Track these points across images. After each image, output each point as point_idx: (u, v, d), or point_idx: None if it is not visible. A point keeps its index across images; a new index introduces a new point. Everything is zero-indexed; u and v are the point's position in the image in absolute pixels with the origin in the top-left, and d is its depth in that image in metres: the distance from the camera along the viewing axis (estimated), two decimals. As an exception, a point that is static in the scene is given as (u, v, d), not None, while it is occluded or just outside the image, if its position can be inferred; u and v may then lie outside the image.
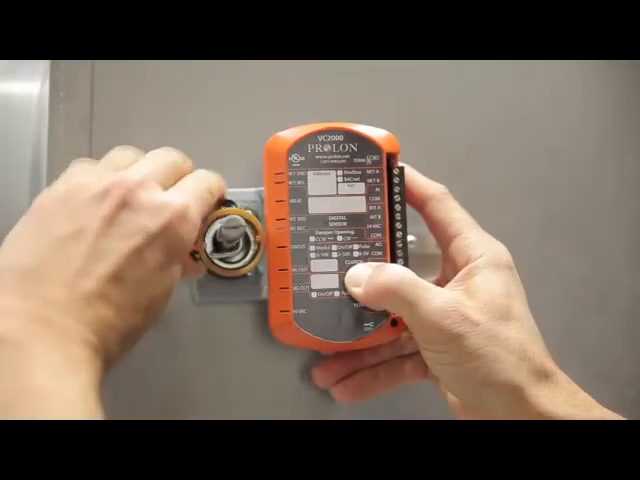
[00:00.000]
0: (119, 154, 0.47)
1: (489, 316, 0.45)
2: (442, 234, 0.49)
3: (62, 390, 0.38)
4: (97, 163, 0.46)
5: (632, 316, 0.60)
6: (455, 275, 0.48)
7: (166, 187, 0.45)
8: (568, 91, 0.59)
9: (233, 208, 0.49)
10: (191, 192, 0.45)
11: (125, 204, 0.42)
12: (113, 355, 0.42)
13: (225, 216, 0.48)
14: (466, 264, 0.47)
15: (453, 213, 0.49)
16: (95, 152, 0.50)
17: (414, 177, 0.50)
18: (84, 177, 0.44)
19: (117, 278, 0.42)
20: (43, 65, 0.51)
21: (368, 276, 0.46)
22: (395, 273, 0.45)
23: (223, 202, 0.49)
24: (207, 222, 0.48)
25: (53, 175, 0.49)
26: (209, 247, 0.48)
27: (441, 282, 0.50)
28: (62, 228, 0.42)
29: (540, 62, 0.56)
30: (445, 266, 0.51)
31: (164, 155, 0.46)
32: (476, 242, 0.48)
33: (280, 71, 0.53)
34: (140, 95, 0.51)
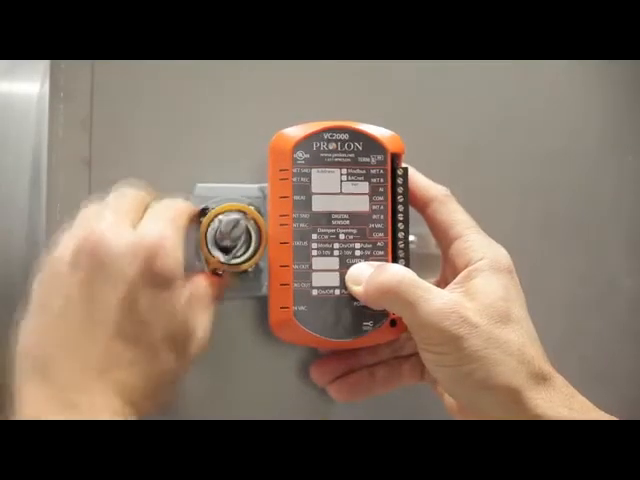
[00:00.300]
0: (91, 208, 0.46)
1: (489, 319, 0.45)
2: (443, 236, 0.50)
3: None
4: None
5: (632, 316, 0.60)
6: (455, 277, 0.48)
7: (134, 223, 0.44)
8: (568, 91, 0.59)
9: (233, 204, 0.49)
10: (159, 221, 0.45)
11: (97, 261, 0.42)
12: (148, 408, 0.43)
13: (219, 214, 0.48)
14: (466, 266, 0.47)
15: (455, 215, 0.49)
16: (95, 152, 0.50)
17: (416, 178, 0.50)
18: (60, 246, 0.44)
19: (120, 337, 0.42)
20: (43, 65, 0.51)
21: (369, 275, 0.46)
22: (396, 273, 0.45)
23: (199, 214, 0.49)
24: (202, 232, 0.48)
25: (53, 175, 0.49)
26: (221, 257, 0.48)
27: (441, 284, 0.50)
28: (52, 308, 0.43)
29: (540, 62, 0.56)
30: (445, 268, 0.51)
31: (123, 192, 0.46)
32: (477, 245, 0.48)
33: (280, 70, 0.53)
34: (140, 95, 0.51)
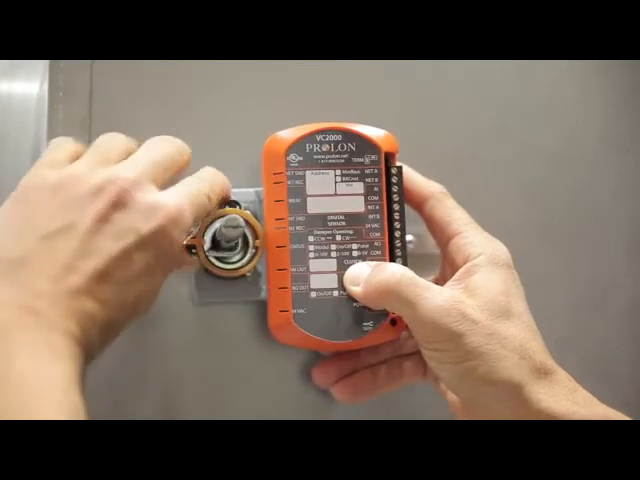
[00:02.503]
0: (109, 143, 0.46)
1: (489, 314, 0.45)
2: (441, 233, 0.50)
3: (43, 376, 0.38)
4: (82, 146, 0.46)
5: (632, 316, 0.60)
6: (454, 274, 0.48)
7: (162, 183, 0.44)
8: (568, 91, 0.59)
9: (233, 208, 0.49)
10: (187, 195, 0.45)
11: (119, 204, 0.42)
12: (94, 347, 0.42)
13: (225, 216, 0.48)
14: (465, 263, 0.47)
15: (452, 212, 0.49)
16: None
17: (412, 177, 0.50)
18: (76, 168, 0.44)
19: (104, 276, 0.42)
20: (42, 65, 0.51)
21: (367, 275, 0.46)
22: (395, 272, 0.45)
23: (227, 202, 0.49)
24: (208, 219, 0.48)
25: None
26: (207, 244, 0.48)
27: (439, 281, 0.50)
28: (51, 222, 0.42)
29: (540, 62, 0.56)
30: (444, 265, 0.51)
31: (160, 147, 0.46)
32: (475, 241, 0.48)
33: (278, 71, 0.53)
34: (139, 95, 0.51)
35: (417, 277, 0.45)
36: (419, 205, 0.50)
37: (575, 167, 0.58)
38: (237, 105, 0.53)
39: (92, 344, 0.42)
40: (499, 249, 0.48)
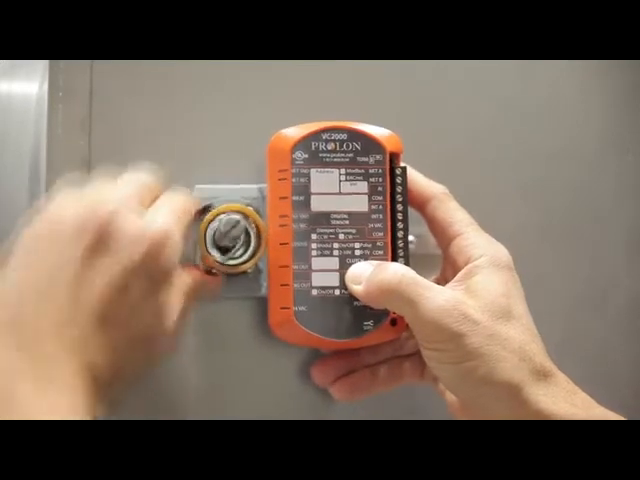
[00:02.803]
0: (95, 184, 0.46)
1: (489, 315, 0.45)
2: (442, 234, 0.50)
3: (46, 404, 0.39)
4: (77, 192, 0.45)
5: (632, 316, 0.60)
6: (455, 275, 0.48)
7: (142, 210, 0.44)
8: (568, 91, 0.59)
9: (233, 205, 0.49)
10: (168, 214, 0.44)
11: (101, 239, 0.42)
12: (108, 394, 0.42)
13: (219, 215, 0.48)
14: (466, 264, 0.47)
15: (454, 213, 0.49)
16: (94, 152, 0.50)
17: (415, 177, 0.50)
18: (60, 208, 0.43)
19: (101, 319, 0.41)
20: (42, 65, 0.51)
21: (369, 274, 0.46)
22: (396, 271, 0.45)
23: (202, 211, 0.49)
24: (202, 230, 0.48)
25: (52, 175, 0.49)
26: (217, 255, 0.48)
27: (440, 282, 0.50)
28: (42, 272, 0.42)
29: (540, 62, 0.56)
30: (445, 266, 0.51)
31: (135, 177, 0.46)
32: (477, 242, 0.48)
33: (278, 71, 0.53)
34: (139, 95, 0.51)
35: (419, 277, 0.45)
36: (421, 206, 0.50)
37: (575, 167, 0.58)
38: (236, 105, 0.53)
39: (104, 391, 0.42)
40: (500, 251, 0.48)
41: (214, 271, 0.49)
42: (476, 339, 0.44)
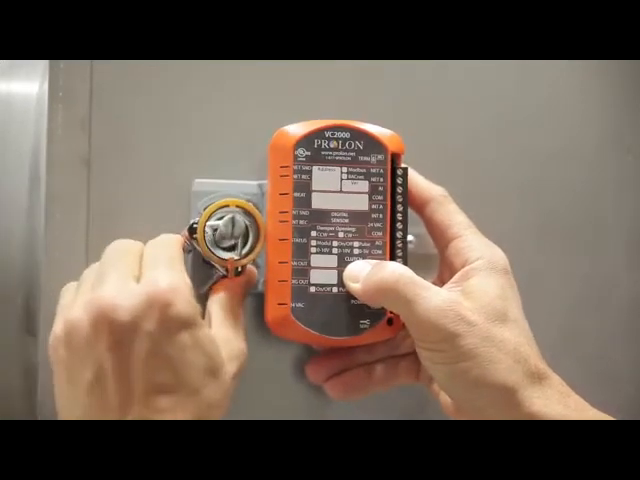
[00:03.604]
0: (86, 274, 0.46)
1: (485, 317, 0.45)
2: (440, 236, 0.50)
3: None
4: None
5: (632, 316, 0.60)
6: (452, 276, 0.48)
7: (136, 275, 0.44)
8: (568, 91, 0.59)
9: (229, 199, 0.49)
10: (159, 264, 0.44)
11: (116, 324, 0.42)
12: None
13: (206, 222, 0.48)
14: (463, 266, 0.48)
15: (452, 216, 0.50)
16: (94, 151, 0.50)
17: (414, 179, 0.50)
18: (72, 314, 0.43)
19: (156, 390, 0.42)
20: (42, 65, 0.51)
21: (367, 273, 0.47)
22: (394, 271, 0.46)
23: (189, 233, 0.49)
24: (203, 246, 0.48)
25: (52, 174, 0.49)
26: (232, 254, 0.48)
27: (437, 283, 0.50)
28: (82, 376, 0.42)
29: (540, 62, 0.56)
30: (442, 268, 0.51)
31: (115, 248, 0.46)
32: (474, 245, 0.48)
33: (280, 70, 0.53)
34: (139, 95, 0.51)
35: (416, 277, 0.46)
36: (420, 207, 0.50)
37: (575, 167, 0.58)
38: (236, 105, 0.53)
39: None
40: (497, 254, 0.48)
41: (239, 269, 0.49)
42: (471, 340, 0.44)
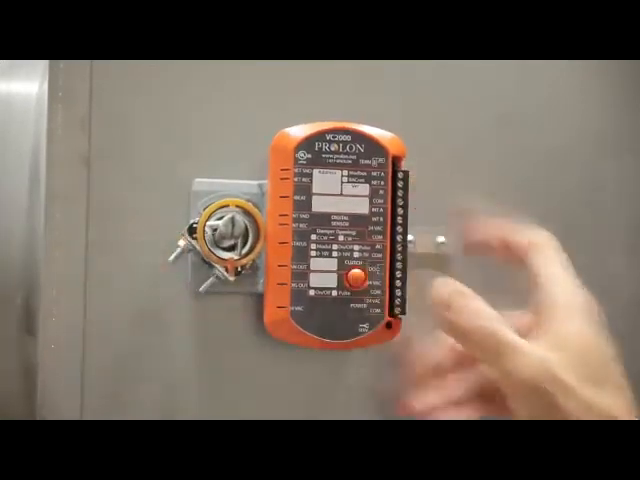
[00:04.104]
0: None
1: (583, 379, 0.44)
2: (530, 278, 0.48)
3: None
4: None
5: (632, 316, 0.60)
6: (535, 319, 0.47)
7: None
8: (568, 91, 0.59)
9: (229, 199, 0.49)
10: None
11: None
12: None
13: (205, 222, 0.48)
14: (548, 314, 0.47)
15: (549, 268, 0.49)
16: (94, 151, 0.50)
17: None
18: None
19: None
20: (42, 65, 0.51)
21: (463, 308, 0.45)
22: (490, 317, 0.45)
23: (190, 231, 0.48)
24: (203, 246, 0.48)
25: (52, 174, 0.49)
26: (232, 255, 0.48)
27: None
28: None
29: (540, 62, 0.56)
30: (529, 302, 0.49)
31: None
32: (561, 299, 0.47)
33: (281, 70, 0.53)
34: (139, 94, 0.51)
35: (508, 330, 0.44)
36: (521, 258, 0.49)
37: (574, 167, 0.58)
38: (236, 105, 0.53)
39: None
40: (587, 303, 0.47)
41: (239, 269, 0.49)
42: (569, 404, 0.43)
